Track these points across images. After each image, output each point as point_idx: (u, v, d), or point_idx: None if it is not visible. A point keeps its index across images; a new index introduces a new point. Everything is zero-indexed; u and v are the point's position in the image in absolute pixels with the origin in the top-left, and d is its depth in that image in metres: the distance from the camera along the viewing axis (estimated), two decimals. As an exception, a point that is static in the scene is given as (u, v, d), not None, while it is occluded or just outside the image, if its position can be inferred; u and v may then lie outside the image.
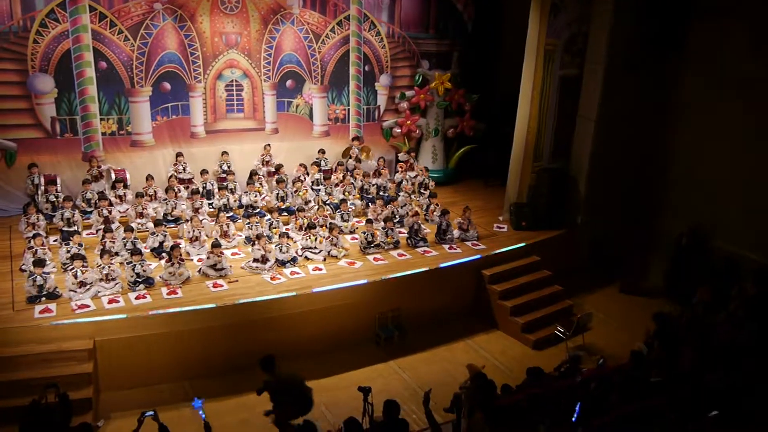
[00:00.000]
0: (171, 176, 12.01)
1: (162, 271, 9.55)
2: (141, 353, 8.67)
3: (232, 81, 12.96)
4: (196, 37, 12.41)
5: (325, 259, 10.49)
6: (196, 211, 11.24)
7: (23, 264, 9.53)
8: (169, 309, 8.82)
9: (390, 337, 10.12)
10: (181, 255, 9.71)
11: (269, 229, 10.98)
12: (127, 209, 11.31)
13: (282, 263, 10.16)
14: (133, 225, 10.65)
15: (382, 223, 11.24)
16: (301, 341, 9.45)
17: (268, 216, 11.62)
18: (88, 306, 8.70)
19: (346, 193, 12.51)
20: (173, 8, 12.08)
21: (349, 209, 11.97)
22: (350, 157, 13.85)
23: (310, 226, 10.74)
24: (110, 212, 10.86)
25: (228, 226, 10.96)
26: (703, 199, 11.64)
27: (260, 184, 12.30)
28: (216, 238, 10.45)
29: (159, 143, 12.55)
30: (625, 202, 12.62)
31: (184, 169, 12.40)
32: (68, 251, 9.59)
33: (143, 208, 11.15)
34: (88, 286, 8.91)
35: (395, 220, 11.61)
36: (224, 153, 12.82)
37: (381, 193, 12.93)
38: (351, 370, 9.39)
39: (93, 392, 8.14)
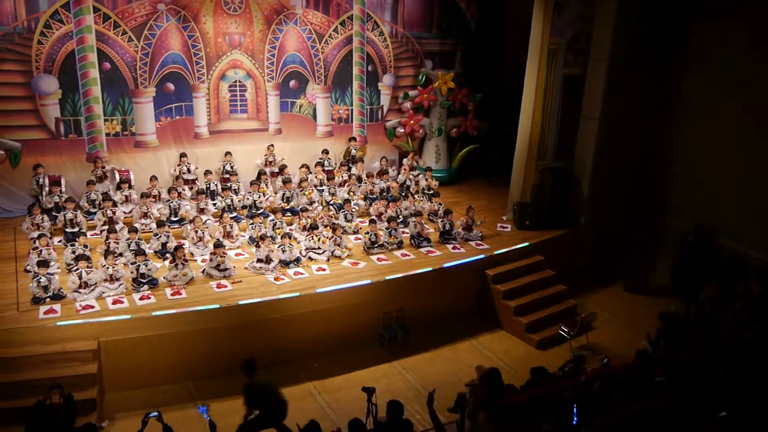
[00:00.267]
0: (177, 177, 12.04)
1: (166, 271, 9.56)
2: (145, 354, 8.68)
3: (235, 81, 12.98)
4: (199, 37, 12.42)
5: (328, 260, 10.49)
6: (201, 211, 11.26)
7: (28, 264, 9.56)
8: (173, 310, 8.83)
9: (394, 338, 10.12)
10: (184, 256, 9.72)
11: (273, 230, 10.99)
12: (132, 209, 11.34)
13: (285, 264, 10.16)
14: (137, 225, 10.67)
15: (386, 223, 11.25)
16: (305, 342, 9.46)
17: (272, 216, 11.64)
18: (92, 307, 8.72)
19: (350, 194, 12.51)
20: (177, 9, 12.10)
21: (353, 209, 11.98)
22: (350, 158, 13.84)
23: (314, 227, 10.75)
24: (114, 213, 10.89)
25: (231, 227, 10.98)
26: (703, 198, 11.62)
27: (265, 184, 12.31)
28: (218, 239, 10.46)
29: (163, 144, 12.57)
30: (626, 202, 12.60)
31: (188, 170, 12.43)
32: (73, 252, 9.61)
33: (147, 209, 11.18)
34: (92, 287, 8.93)
35: (399, 221, 11.60)
36: (228, 153, 12.82)
37: (384, 194, 12.93)
38: (355, 371, 9.38)
39: (97, 393, 8.15)
